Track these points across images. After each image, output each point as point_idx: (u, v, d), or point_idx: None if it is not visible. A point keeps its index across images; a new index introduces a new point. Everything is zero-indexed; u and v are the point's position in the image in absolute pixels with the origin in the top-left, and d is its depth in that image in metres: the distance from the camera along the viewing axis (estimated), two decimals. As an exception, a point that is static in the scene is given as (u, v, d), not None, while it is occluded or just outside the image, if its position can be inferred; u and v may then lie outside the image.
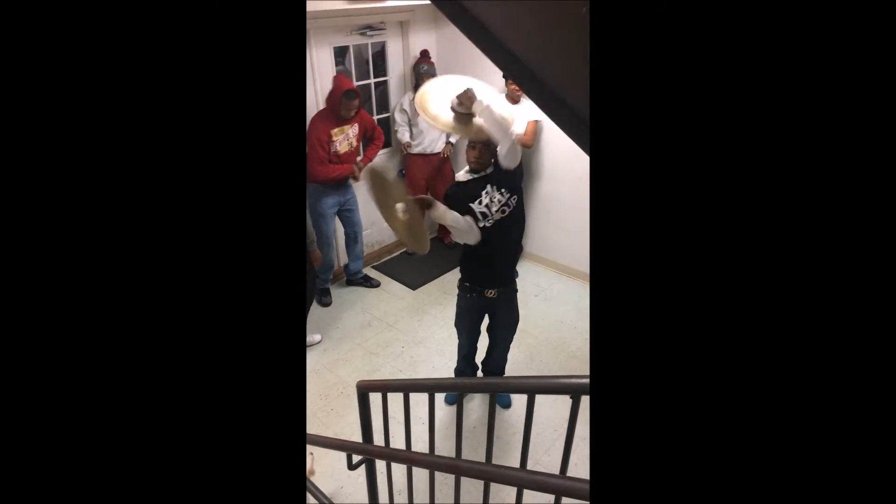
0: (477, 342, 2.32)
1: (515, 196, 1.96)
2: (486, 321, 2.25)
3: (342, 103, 2.83)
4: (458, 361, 2.39)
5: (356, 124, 3.06)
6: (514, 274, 2.18)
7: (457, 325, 2.27)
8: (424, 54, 3.42)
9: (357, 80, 3.38)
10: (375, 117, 3.55)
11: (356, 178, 3.08)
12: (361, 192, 3.25)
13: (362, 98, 2.98)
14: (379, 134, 3.20)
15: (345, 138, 3.02)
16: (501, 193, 1.93)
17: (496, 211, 1.94)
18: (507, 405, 2.45)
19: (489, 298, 2.07)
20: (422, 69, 3.31)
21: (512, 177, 1.97)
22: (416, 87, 3.36)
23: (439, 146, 3.50)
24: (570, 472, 1.00)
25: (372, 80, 3.45)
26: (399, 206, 1.81)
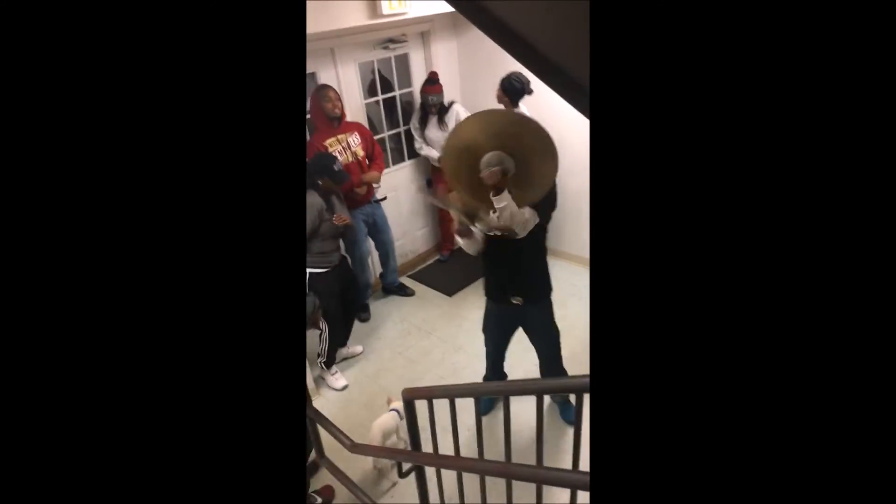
0: (504, 351, 2.28)
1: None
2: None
3: (321, 97, 2.70)
4: (486, 369, 2.36)
5: (355, 132, 2.86)
6: (546, 285, 2.05)
7: (484, 330, 2.24)
8: (432, 78, 3.26)
9: (382, 93, 3.43)
10: (401, 129, 3.59)
11: (371, 198, 2.94)
12: (387, 207, 3.26)
13: (336, 90, 2.81)
14: (378, 154, 3.00)
15: (346, 147, 2.81)
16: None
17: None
18: (572, 421, 2.34)
19: (515, 306, 2.01)
20: (430, 100, 3.23)
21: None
22: (422, 108, 3.34)
23: None
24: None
25: (397, 92, 3.50)
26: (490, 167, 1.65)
